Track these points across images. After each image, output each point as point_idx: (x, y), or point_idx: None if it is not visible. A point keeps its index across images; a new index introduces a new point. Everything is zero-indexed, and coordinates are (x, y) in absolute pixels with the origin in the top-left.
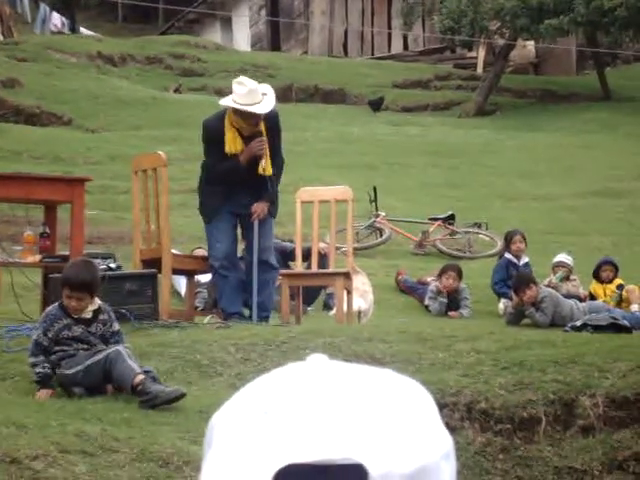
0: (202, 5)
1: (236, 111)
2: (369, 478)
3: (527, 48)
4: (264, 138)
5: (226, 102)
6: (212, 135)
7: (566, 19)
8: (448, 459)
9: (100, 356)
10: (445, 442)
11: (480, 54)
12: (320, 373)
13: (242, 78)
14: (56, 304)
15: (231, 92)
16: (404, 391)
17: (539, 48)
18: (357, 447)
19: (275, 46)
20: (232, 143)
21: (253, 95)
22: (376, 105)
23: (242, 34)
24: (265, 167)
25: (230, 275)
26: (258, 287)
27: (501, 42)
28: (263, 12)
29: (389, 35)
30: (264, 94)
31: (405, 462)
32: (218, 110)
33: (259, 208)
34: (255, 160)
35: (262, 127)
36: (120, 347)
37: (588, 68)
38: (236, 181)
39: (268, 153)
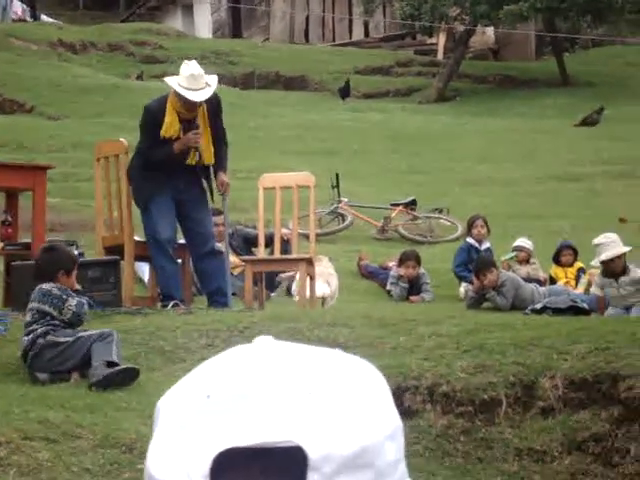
0: None
1: (176, 93)
2: (308, 460)
3: (487, 34)
4: (200, 130)
5: (170, 81)
6: (152, 119)
7: (525, 5)
8: (394, 440)
9: (94, 332)
10: (390, 422)
11: (440, 40)
12: (265, 355)
13: (191, 62)
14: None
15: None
16: (350, 371)
17: (498, 34)
18: (297, 430)
19: (236, 33)
20: (169, 127)
21: (195, 80)
22: (345, 92)
23: (203, 21)
24: (203, 157)
25: (171, 260)
26: (212, 275)
27: (461, 28)
28: None
29: (350, 22)
30: (208, 84)
31: (345, 443)
32: (159, 96)
33: (224, 181)
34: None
35: (203, 113)
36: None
37: (547, 54)
38: (169, 168)
39: (205, 143)
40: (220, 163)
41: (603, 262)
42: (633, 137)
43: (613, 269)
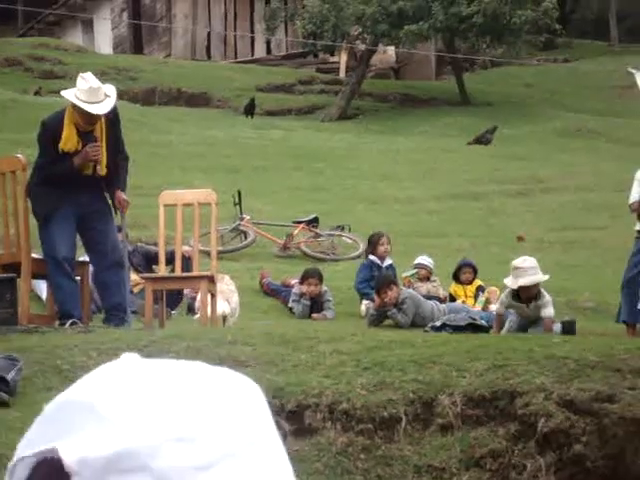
0: (62, 7)
1: (75, 106)
2: (64, 465)
3: (388, 53)
4: (99, 143)
5: (68, 95)
6: (50, 133)
7: (425, 25)
8: (184, 442)
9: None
10: (182, 425)
11: (342, 59)
12: (127, 370)
13: (87, 74)
14: None
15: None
16: (140, 376)
17: (399, 53)
18: (57, 437)
19: (138, 49)
20: (67, 140)
21: (95, 93)
22: (250, 110)
23: (104, 37)
24: (98, 169)
25: (68, 278)
26: (113, 289)
27: (362, 47)
28: (125, 15)
29: (252, 39)
30: (107, 95)
31: (102, 446)
32: (56, 110)
33: (122, 198)
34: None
35: (100, 125)
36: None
37: (447, 73)
38: (70, 182)
39: (104, 157)
40: (118, 179)
41: (522, 287)
42: (530, 156)
43: (527, 295)
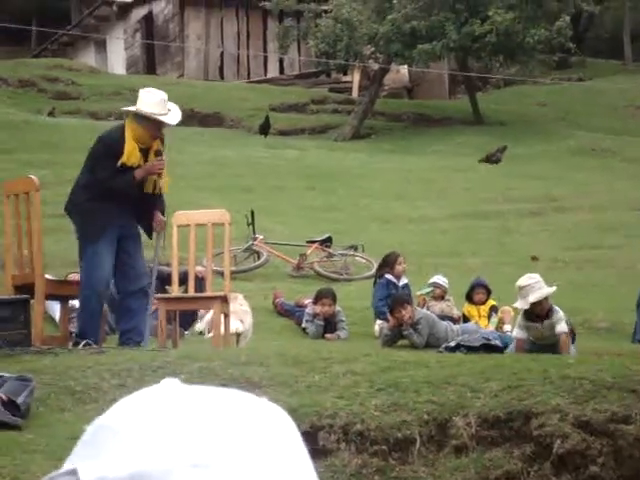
0: (76, 28)
1: (141, 120)
2: None
3: (401, 73)
4: (164, 157)
5: (142, 108)
6: (110, 148)
7: (438, 45)
8: (200, 467)
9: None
10: (199, 451)
11: (355, 78)
12: (167, 396)
13: (150, 88)
14: None
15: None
16: (155, 404)
17: (412, 73)
18: (80, 457)
19: (151, 69)
20: (131, 155)
21: (164, 105)
22: (265, 128)
23: (117, 57)
24: (162, 186)
25: (101, 305)
26: (133, 314)
27: (375, 66)
28: (138, 35)
29: (265, 59)
30: (169, 109)
31: (120, 466)
32: (113, 126)
33: (161, 219)
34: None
35: (157, 142)
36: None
37: (460, 92)
38: (129, 197)
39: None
40: (160, 200)
41: (532, 304)
42: (544, 175)
43: (539, 311)
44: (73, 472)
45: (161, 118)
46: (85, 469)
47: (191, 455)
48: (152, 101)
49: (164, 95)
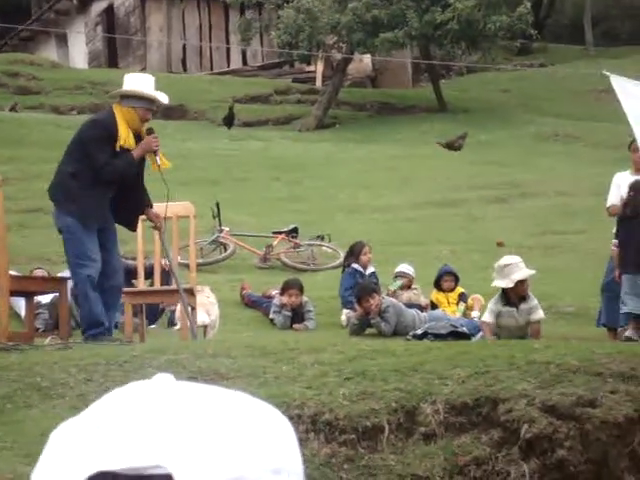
0: (36, 22)
1: (130, 102)
2: None
3: (364, 62)
4: (156, 134)
5: (133, 87)
6: (106, 131)
7: (400, 33)
8: (279, 474)
9: None
10: (276, 458)
11: (318, 68)
12: (158, 391)
13: (131, 74)
14: None
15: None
16: (235, 408)
17: (375, 61)
18: (168, 456)
19: (113, 63)
20: (126, 137)
21: (150, 86)
22: (230, 120)
23: (78, 51)
24: (161, 162)
25: (96, 288)
26: (108, 309)
27: (338, 56)
28: (99, 29)
29: (228, 50)
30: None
31: (218, 472)
32: (102, 112)
33: (156, 213)
34: (140, 161)
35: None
36: None
37: (423, 81)
38: (129, 178)
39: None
40: (145, 198)
41: (516, 283)
42: (508, 162)
43: (521, 292)
44: (158, 468)
45: (157, 95)
46: (181, 472)
47: (266, 459)
48: (139, 81)
49: (150, 77)
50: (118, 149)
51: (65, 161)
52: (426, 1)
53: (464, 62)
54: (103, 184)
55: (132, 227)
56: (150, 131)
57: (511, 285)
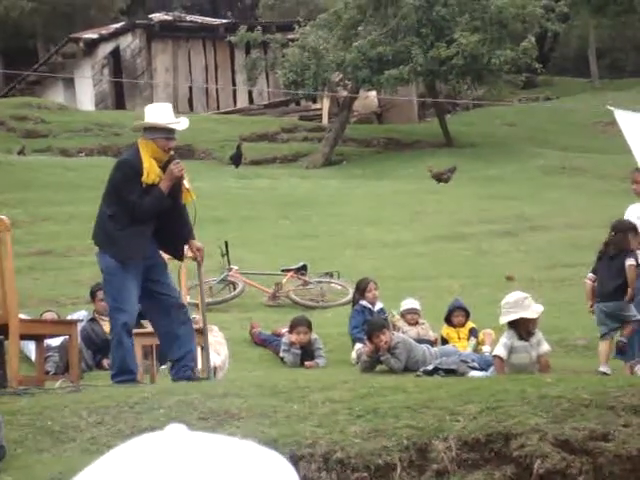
0: (43, 66)
1: (151, 133)
2: None
3: (370, 98)
4: (178, 160)
5: (152, 119)
6: (131, 170)
7: (406, 69)
8: None
9: None
10: None
11: (324, 105)
12: (171, 445)
13: (151, 105)
14: None
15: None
16: (246, 460)
17: (381, 98)
18: None
19: (120, 104)
20: (150, 172)
21: (169, 114)
22: (237, 159)
23: (85, 94)
24: (188, 189)
25: (132, 334)
26: (183, 339)
27: (344, 93)
28: (106, 71)
29: (234, 90)
30: (178, 120)
31: None
32: (127, 150)
33: (198, 246)
34: (173, 192)
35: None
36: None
37: (430, 115)
38: (165, 211)
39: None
40: (188, 227)
41: (523, 320)
42: (516, 195)
43: (530, 328)
44: None
45: (175, 125)
46: None
47: None
48: (157, 112)
49: (168, 105)
50: (145, 184)
51: (103, 203)
52: (430, 37)
53: (469, 97)
54: (139, 223)
55: (179, 256)
56: (172, 158)
57: (535, 316)
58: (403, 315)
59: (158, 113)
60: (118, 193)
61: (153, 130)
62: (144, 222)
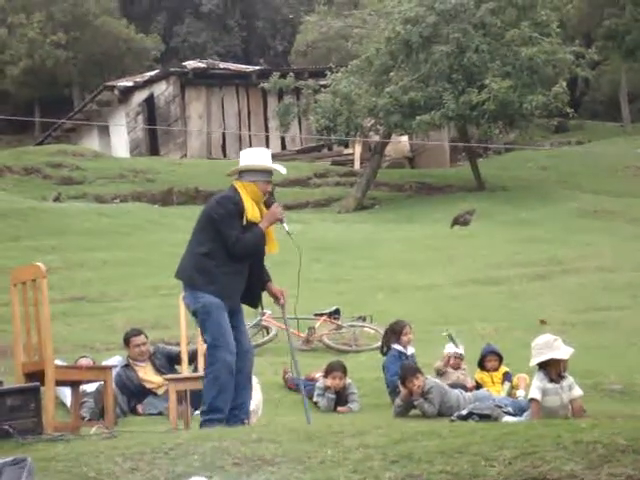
0: (78, 114)
1: (249, 176)
2: None
3: (402, 143)
4: (278, 202)
5: (251, 162)
6: (236, 207)
7: (437, 114)
8: None
9: (8, 459)
10: None
11: (356, 150)
12: None
13: (247, 150)
14: None
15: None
16: None
17: (413, 142)
18: None
19: (154, 151)
20: (252, 211)
21: (266, 157)
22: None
23: (120, 140)
24: (273, 239)
25: (232, 377)
26: (244, 389)
27: (376, 138)
28: (140, 118)
29: (267, 136)
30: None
31: None
32: (225, 191)
33: (279, 289)
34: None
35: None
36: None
37: (461, 160)
38: (260, 252)
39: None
40: (267, 275)
41: (553, 361)
42: (548, 239)
43: (560, 370)
44: None
45: (277, 167)
46: None
47: None
48: (256, 156)
49: (267, 150)
50: (245, 223)
51: (195, 243)
52: (462, 83)
53: (501, 142)
54: (237, 260)
55: (255, 304)
56: (272, 201)
57: (566, 357)
58: (449, 358)
59: (259, 157)
60: (218, 228)
61: (253, 173)
62: (241, 260)
